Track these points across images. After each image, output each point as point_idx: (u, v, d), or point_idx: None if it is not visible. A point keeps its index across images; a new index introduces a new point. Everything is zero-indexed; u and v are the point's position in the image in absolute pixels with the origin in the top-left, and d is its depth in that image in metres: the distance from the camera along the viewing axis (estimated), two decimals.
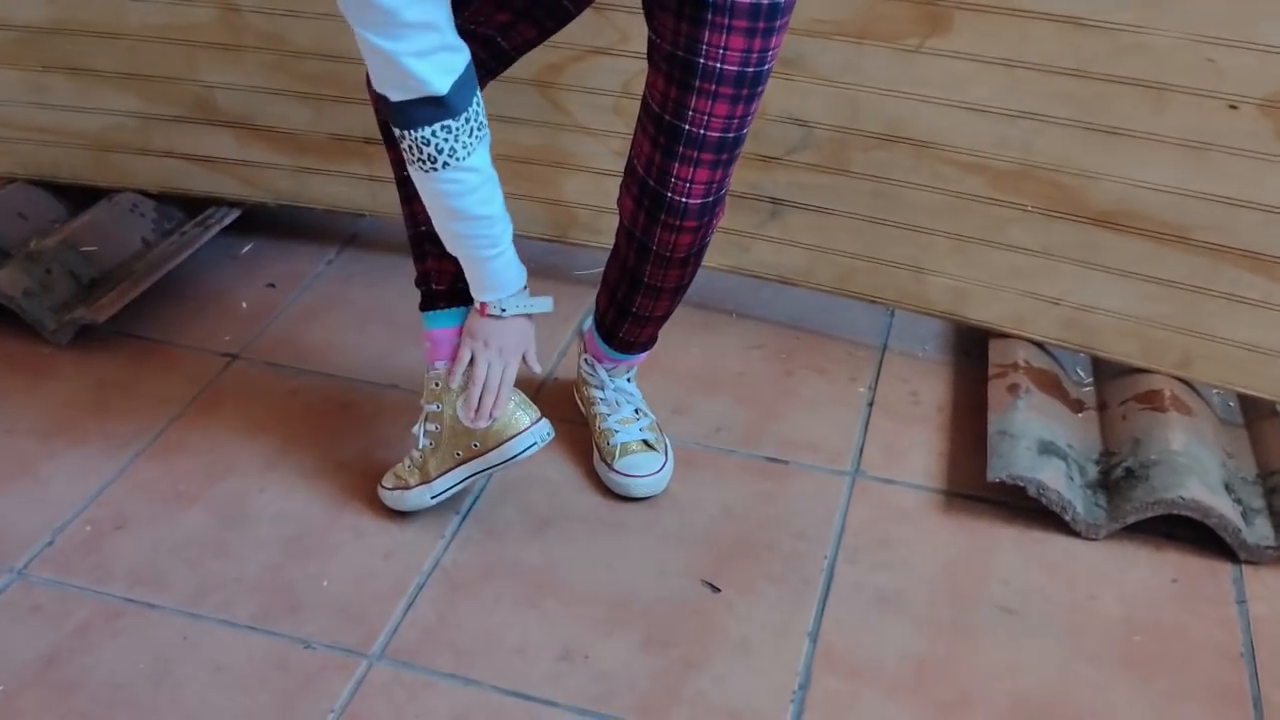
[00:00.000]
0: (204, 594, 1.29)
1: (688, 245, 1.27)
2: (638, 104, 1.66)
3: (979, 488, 1.43)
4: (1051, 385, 1.53)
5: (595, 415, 1.48)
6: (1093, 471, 1.44)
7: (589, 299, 1.83)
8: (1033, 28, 1.40)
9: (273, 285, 1.86)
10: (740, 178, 1.68)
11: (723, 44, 1.12)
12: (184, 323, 1.75)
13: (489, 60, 1.24)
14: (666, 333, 1.67)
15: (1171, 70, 1.35)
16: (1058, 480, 1.37)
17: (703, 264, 1.74)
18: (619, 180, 1.75)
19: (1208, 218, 1.40)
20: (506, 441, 1.31)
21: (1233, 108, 1.33)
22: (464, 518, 1.40)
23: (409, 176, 1.22)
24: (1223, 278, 1.43)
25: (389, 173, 1.80)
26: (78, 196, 1.93)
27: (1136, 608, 1.30)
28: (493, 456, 1.32)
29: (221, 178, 1.89)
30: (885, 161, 1.58)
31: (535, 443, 1.32)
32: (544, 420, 1.34)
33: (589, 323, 1.50)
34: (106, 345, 1.69)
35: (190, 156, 1.87)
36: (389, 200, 1.85)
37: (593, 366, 1.48)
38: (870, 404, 1.61)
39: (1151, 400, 1.47)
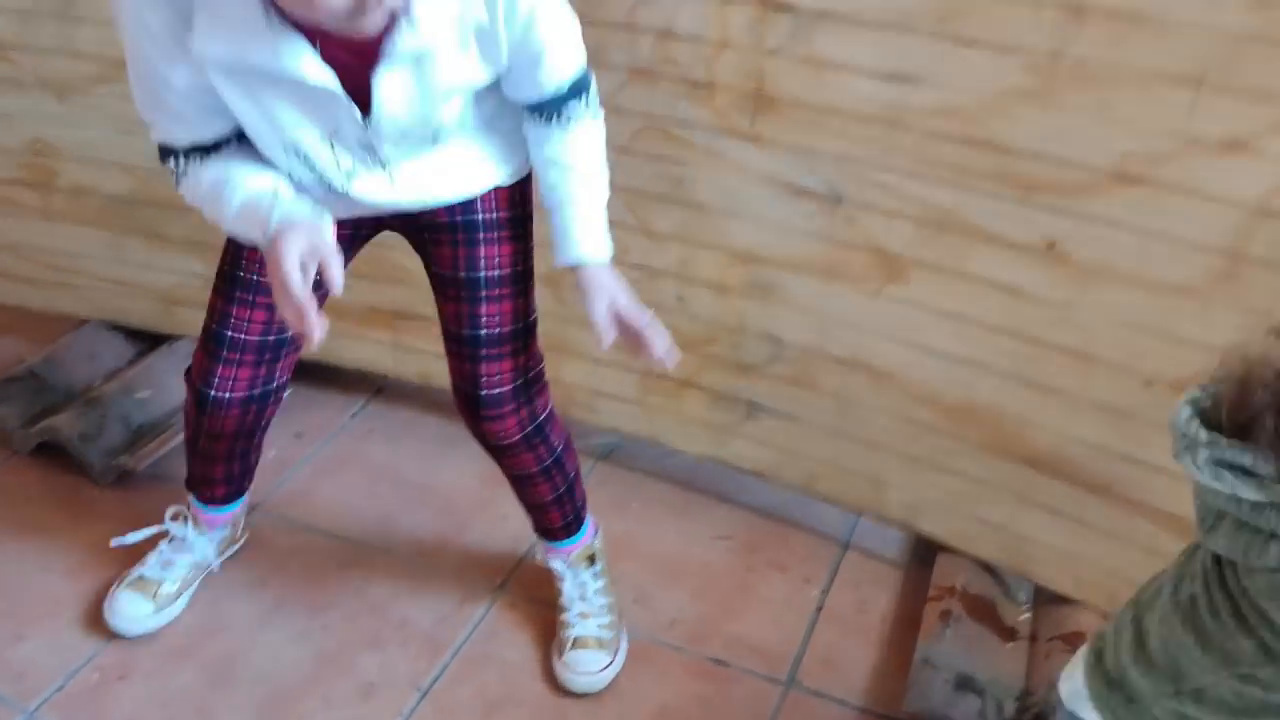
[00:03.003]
0: None
1: (516, 427, 1.44)
2: None
3: (899, 712, 1.52)
4: (985, 612, 1.63)
5: (560, 606, 1.62)
6: (1010, 709, 1.52)
7: (587, 465, 1.99)
8: (979, 290, 1.53)
9: (300, 435, 2.05)
10: (724, 379, 1.83)
11: (496, 254, 1.35)
12: None
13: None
14: (645, 513, 1.82)
15: (1096, 345, 1.46)
16: (969, 719, 1.47)
17: (689, 449, 1.89)
18: (616, 368, 1.92)
19: (1127, 476, 1.50)
20: None
21: (1148, 384, 1.44)
22: (424, 695, 1.55)
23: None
24: (1140, 532, 1.52)
25: (412, 341, 2.02)
26: (144, 338, 2.16)
27: None
28: None
29: None
30: (847, 383, 1.71)
31: None
32: None
33: None
34: (143, 488, 1.90)
35: None
36: (409, 365, 2.05)
37: (550, 558, 1.63)
38: (819, 609, 1.72)
39: (1075, 643, 1.56)
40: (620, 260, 1.80)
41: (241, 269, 1.36)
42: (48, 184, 2.06)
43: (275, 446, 2.01)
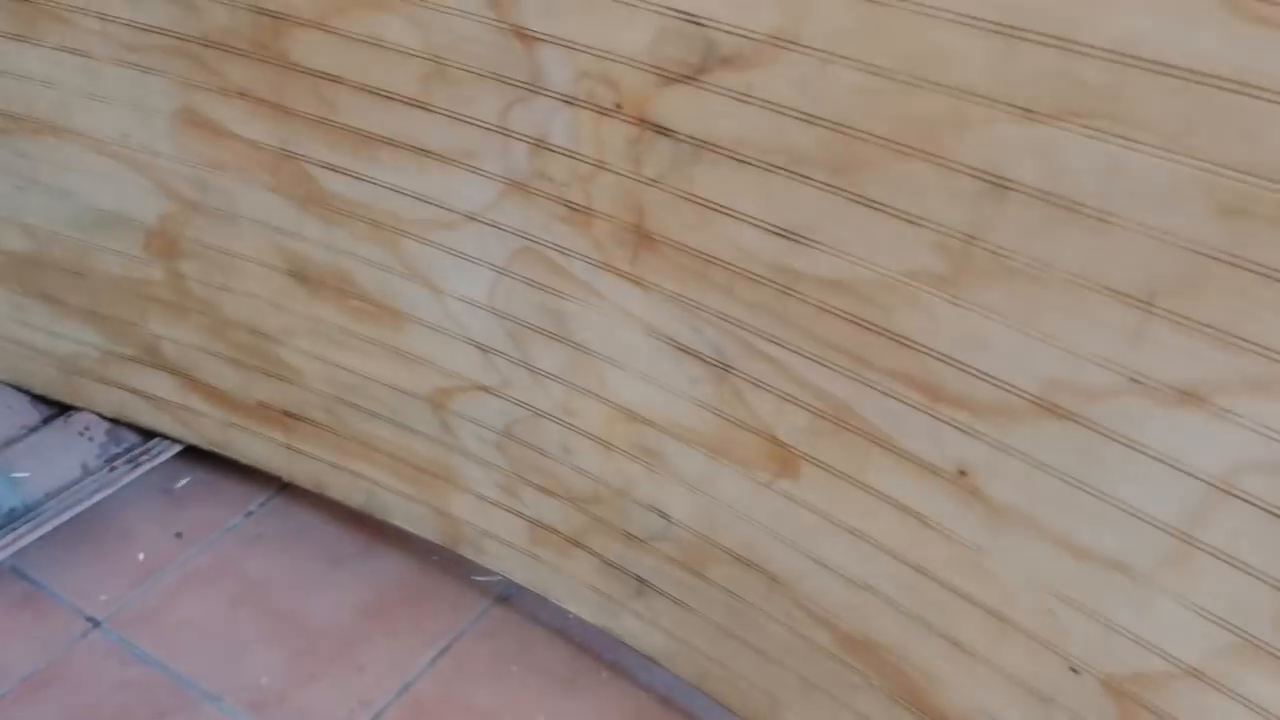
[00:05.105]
0: None
1: None
2: (520, 447, 1.58)
3: None
4: None
5: None
6: None
7: (480, 608, 1.75)
8: (879, 507, 1.20)
9: (180, 535, 1.87)
10: (612, 546, 1.55)
11: None
12: (73, 569, 1.78)
13: None
14: (524, 683, 1.57)
15: (1013, 607, 1.12)
16: None
17: (580, 614, 1.62)
18: (504, 510, 1.66)
19: None
20: None
21: (1075, 672, 1.09)
22: None
23: None
24: None
25: (305, 446, 1.81)
26: (51, 405, 2.02)
27: None
28: None
29: (163, 416, 1.93)
30: (739, 581, 1.41)
31: None
32: None
33: None
34: None
35: (139, 392, 1.93)
36: (302, 471, 1.84)
37: None
38: None
39: None
40: (503, 393, 1.55)
41: None
42: None
43: (146, 549, 1.84)
